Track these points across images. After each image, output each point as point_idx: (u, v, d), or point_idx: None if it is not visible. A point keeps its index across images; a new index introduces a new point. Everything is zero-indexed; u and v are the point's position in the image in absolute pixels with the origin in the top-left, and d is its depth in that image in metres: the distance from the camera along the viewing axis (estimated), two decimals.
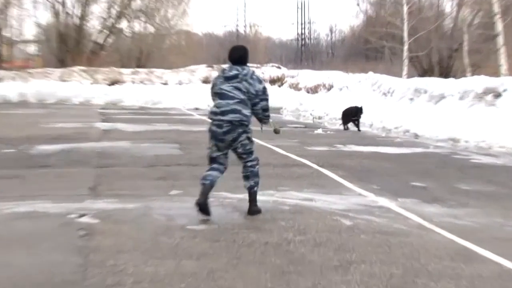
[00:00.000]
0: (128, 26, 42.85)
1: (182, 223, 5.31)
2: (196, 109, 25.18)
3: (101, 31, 41.56)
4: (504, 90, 14.82)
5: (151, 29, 42.42)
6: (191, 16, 79.49)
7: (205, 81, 31.78)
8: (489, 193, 7.22)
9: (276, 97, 25.75)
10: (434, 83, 18.10)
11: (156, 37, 42.17)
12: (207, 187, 5.45)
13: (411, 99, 18.19)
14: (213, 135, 5.56)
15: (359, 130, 16.09)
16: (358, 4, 45.62)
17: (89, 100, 28.61)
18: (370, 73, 23.26)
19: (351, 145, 12.18)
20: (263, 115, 5.75)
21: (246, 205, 5.75)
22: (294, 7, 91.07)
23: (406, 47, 30.05)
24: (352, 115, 16.43)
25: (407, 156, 10.67)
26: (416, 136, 14.48)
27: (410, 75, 27.89)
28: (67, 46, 38.74)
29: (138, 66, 37.87)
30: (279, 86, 33.83)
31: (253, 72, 5.68)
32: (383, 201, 6.51)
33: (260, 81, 5.66)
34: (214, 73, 29.55)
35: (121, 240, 4.74)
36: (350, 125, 16.49)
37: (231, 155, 5.70)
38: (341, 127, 16.65)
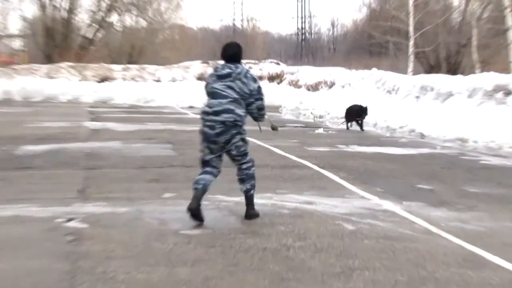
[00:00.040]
0: (119, 19, 42.96)
1: (176, 227, 5.31)
2: (191, 107, 25.15)
3: (90, 25, 41.56)
4: None
5: (143, 23, 42.52)
6: (185, 9, 79.73)
7: (200, 78, 31.79)
8: (499, 196, 7.23)
9: (275, 94, 25.88)
10: (441, 80, 18.14)
11: (148, 32, 42.21)
12: (200, 192, 5.44)
13: (417, 97, 18.22)
14: (205, 137, 5.55)
15: (362, 129, 16.12)
16: None
17: (77, 98, 28.65)
18: (374, 69, 23.31)
19: (354, 145, 12.21)
20: (258, 114, 5.75)
21: (243, 209, 5.76)
22: (294, 0, 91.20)
23: (411, 42, 30.04)
24: (356, 114, 16.41)
25: (412, 157, 10.69)
26: (422, 136, 14.51)
27: (416, 72, 27.88)
28: (54, 41, 38.74)
29: (129, 62, 37.88)
30: (278, 83, 33.91)
31: (247, 70, 5.69)
32: (388, 205, 6.52)
33: (254, 79, 5.66)
34: (209, 70, 29.45)
35: (111, 245, 4.73)
36: (353, 124, 16.52)
37: (225, 157, 5.70)
38: (343, 126, 16.67)
